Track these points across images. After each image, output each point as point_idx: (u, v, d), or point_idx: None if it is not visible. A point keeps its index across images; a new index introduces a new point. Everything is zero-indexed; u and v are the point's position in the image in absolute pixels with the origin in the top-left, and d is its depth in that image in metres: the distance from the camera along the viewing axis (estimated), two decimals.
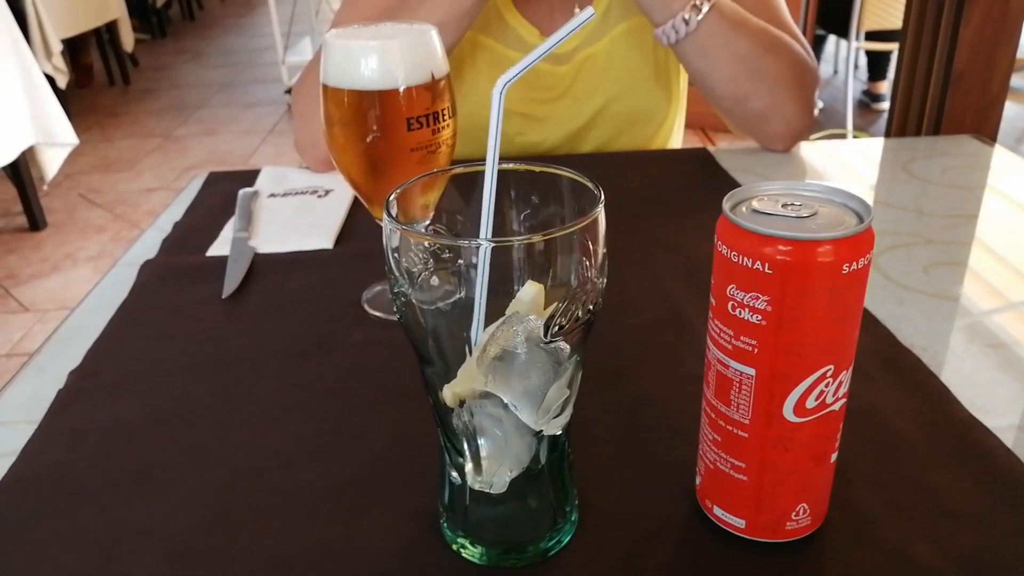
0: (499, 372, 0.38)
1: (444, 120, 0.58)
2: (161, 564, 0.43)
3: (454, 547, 0.43)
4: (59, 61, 3.61)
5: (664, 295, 0.67)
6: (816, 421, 0.39)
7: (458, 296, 0.37)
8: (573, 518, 0.44)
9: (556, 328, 0.36)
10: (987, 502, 0.45)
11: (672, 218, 0.81)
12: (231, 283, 0.69)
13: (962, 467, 0.47)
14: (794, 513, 0.41)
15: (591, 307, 0.37)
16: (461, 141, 0.63)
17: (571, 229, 0.35)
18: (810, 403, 0.38)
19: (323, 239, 0.77)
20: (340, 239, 0.78)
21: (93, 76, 4.99)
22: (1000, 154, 0.97)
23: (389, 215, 0.36)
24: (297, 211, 0.83)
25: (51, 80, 3.05)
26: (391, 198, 0.37)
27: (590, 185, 0.38)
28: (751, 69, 0.90)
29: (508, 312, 0.37)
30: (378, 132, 0.58)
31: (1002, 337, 0.61)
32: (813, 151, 1.00)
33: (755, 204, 0.38)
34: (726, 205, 0.38)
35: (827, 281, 0.35)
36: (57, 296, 2.62)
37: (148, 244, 0.79)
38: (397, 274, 0.37)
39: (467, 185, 0.40)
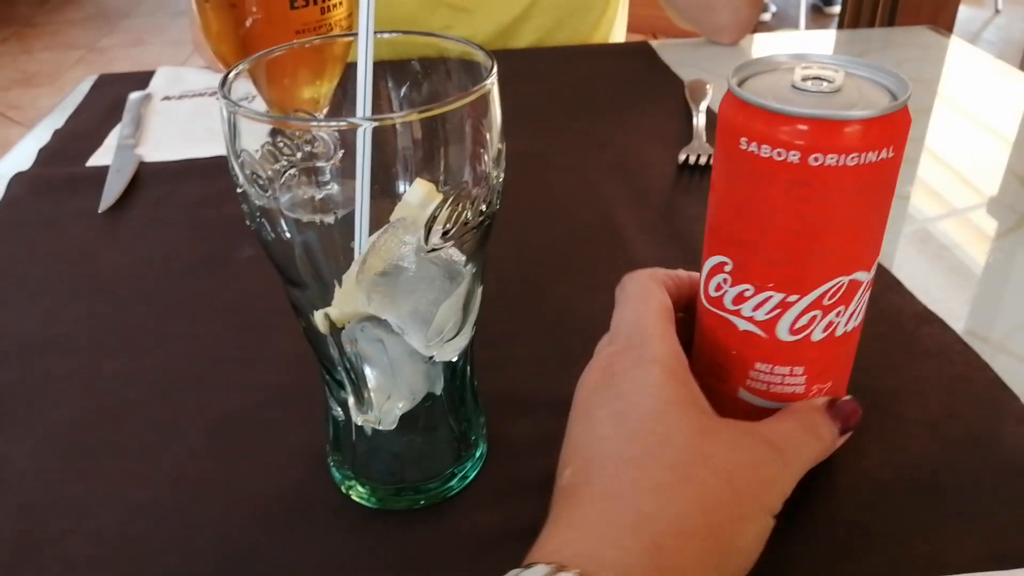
0: (382, 290, 0.32)
1: None
2: (4, 516, 0.37)
3: (343, 489, 0.37)
4: None
5: (596, 199, 0.61)
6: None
7: (329, 198, 0.31)
8: (479, 451, 0.38)
9: (440, 233, 0.30)
10: (942, 405, 0.40)
11: (609, 116, 0.74)
12: (110, 195, 0.61)
13: (915, 366, 0.43)
14: None
15: (483, 208, 0.31)
16: None
17: (457, 104, 0.28)
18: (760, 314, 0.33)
19: (219, 145, 0.68)
20: None
21: None
22: (956, 46, 0.92)
23: (225, 96, 0.29)
24: (193, 115, 0.74)
25: None
26: (230, 74, 0.30)
27: (480, 56, 0.31)
28: None
29: (393, 218, 0.30)
30: (257, 12, 0.49)
31: (947, 241, 0.56)
32: (761, 45, 0.93)
33: (773, 79, 0.31)
34: (733, 80, 0.31)
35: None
36: None
37: (23, 154, 0.70)
38: (241, 177, 0.30)
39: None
